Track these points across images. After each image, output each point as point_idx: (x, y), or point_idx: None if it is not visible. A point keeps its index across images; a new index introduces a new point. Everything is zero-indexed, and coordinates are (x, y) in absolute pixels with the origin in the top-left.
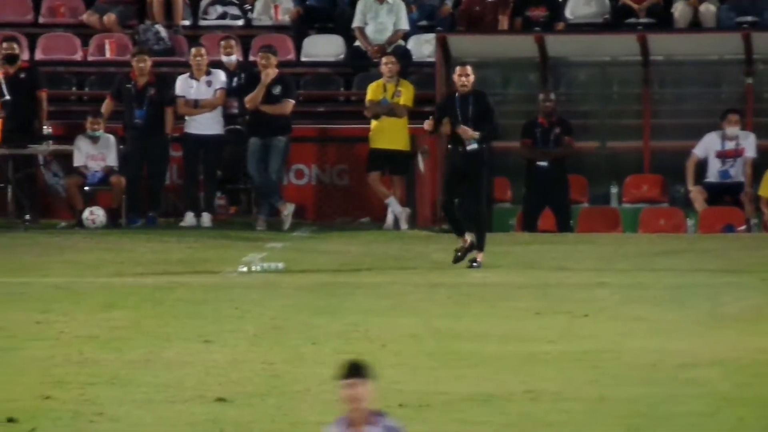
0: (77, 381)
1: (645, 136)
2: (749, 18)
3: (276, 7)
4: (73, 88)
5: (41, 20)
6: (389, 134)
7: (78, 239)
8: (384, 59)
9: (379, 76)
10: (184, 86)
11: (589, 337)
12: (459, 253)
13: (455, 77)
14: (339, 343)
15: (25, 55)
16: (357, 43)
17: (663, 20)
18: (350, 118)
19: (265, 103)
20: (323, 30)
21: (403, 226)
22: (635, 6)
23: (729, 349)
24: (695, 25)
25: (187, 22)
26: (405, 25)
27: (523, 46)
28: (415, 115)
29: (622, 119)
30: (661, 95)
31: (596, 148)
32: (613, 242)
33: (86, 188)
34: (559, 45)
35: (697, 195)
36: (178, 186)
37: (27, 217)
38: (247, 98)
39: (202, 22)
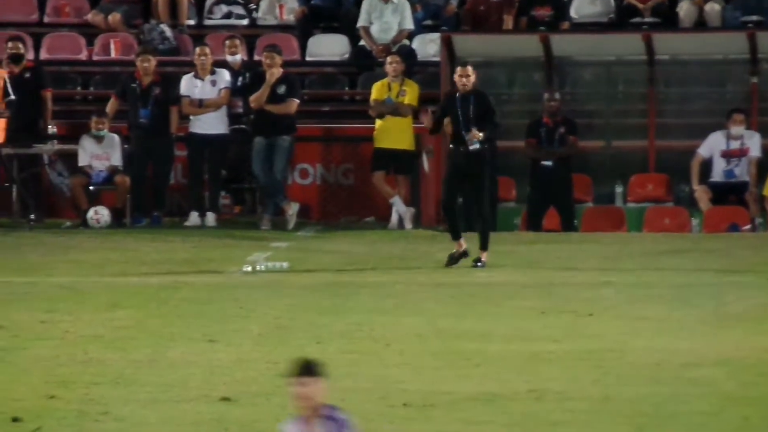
0: (82, 380)
1: (650, 135)
2: (754, 17)
3: (281, 6)
4: (78, 88)
5: (46, 20)
6: (394, 134)
7: (83, 239)
8: (389, 59)
9: (384, 75)
10: (188, 86)
11: (594, 337)
12: (452, 258)
13: (456, 77)
14: (343, 343)
15: (30, 55)
16: (362, 42)
17: (668, 20)
18: (355, 118)
19: (270, 102)
20: (328, 29)
21: (408, 225)
22: (640, 5)
23: (734, 349)
24: (700, 24)
25: (191, 22)
26: (410, 25)
27: (528, 45)
28: (419, 114)
29: (627, 119)
30: (666, 95)
31: (601, 147)
32: (618, 241)
33: (91, 188)
34: (564, 44)
35: (701, 194)
36: (182, 185)
37: (32, 216)
38: (251, 98)
39: (207, 22)
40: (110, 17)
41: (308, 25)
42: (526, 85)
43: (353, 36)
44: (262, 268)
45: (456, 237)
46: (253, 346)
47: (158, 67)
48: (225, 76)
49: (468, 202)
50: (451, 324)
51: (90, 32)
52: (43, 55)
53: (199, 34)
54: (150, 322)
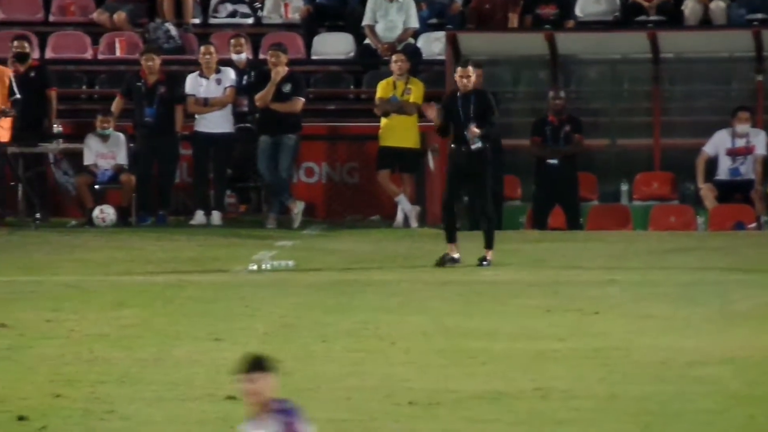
0: (87, 379)
1: (655, 133)
2: (759, 15)
3: (286, 5)
4: (83, 87)
5: (51, 19)
6: (399, 132)
7: (88, 238)
8: (394, 57)
9: (389, 74)
10: (193, 84)
11: (600, 335)
12: (443, 260)
13: (456, 77)
14: (349, 341)
15: (35, 54)
16: (367, 41)
17: (673, 17)
18: (360, 116)
19: (275, 101)
20: (333, 28)
21: (413, 224)
22: (645, 3)
23: (739, 347)
24: (705, 22)
25: (197, 21)
26: (415, 23)
27: (533, 43)
28: (423, 110)
29: (632, 117)
30: (671, 93)
31: (606, 145)
32: (624, 240)
33: (96, 187)
34: (569, 43)
35: (707, 192)
36: (188, 184)
37: (37, 215)
38: (257, 96)
39: (212, 20)
40: (115, 16)
41: (313, 23)
42: (531, 83)
43: (358, 34)
44: (268, 266)
45: (450, 240)
46: (258, 345)
47: (163, 66)
48: (230, 74)
49: (473, 201)
50: (457, 322)
51: (95, 31)
52: (49, 54)
53: (204, 33)
54: (155, 321)
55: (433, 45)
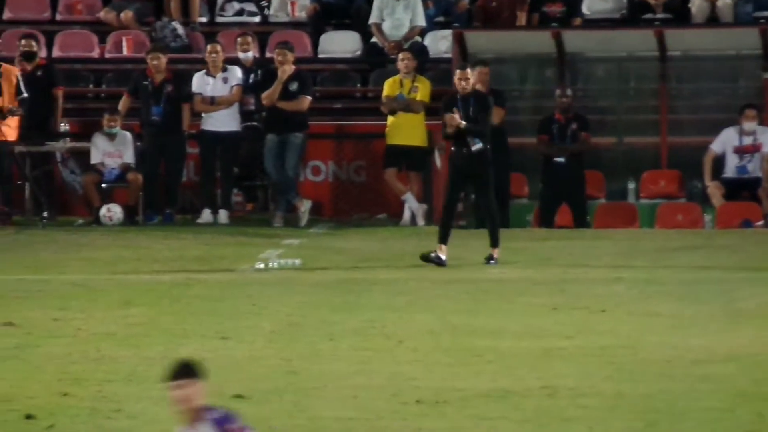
0: (95, 378)
1: (662, 131)
2: (767, 13)
3: (293, 3)
4: (90, 86)
5: (58, 17)
6: (406, 130)
7: (95, 236)
8: (400, 55)
9: (396, 72)
10: (200, 83)
11: (606, 333)
12: (428, 257)
13: (455, 80)
14: (356, 340)
15: (42, 53)
16: (374, 39)
17: (680, 15)
18: (367, 115)
19: (282, 99)
20: (340, 26)
21: (420, 222)
22: (652, 1)
23: (746, 345)
24: (712, 20)
25: (203, 19)
26: (422, 21)
27: (540, 41)
28: (431, 111)
29: (639, 115)
30: (678, 90)
31: (613, 143)
32: (630, 238)
33: (103, 185)
34: (576, 40)
35: (714, 190)
36: (195, 183)
37: (44, 214)
38: (263, 95)
39: (219, 19)
40: (122, 15)
41: (320, 22)
42: (538, 81)
43: (365, 33)
44: (275, 265)
45: (442, 241)
46: (265, 343)
47: (170, 65)
48: (237, 73)
49: (478, 200)
50: (464, 321)
51: (102, 30)
52: (56, 52)
53: (211, 32)
54: (162, 320)
55: (439, 43)
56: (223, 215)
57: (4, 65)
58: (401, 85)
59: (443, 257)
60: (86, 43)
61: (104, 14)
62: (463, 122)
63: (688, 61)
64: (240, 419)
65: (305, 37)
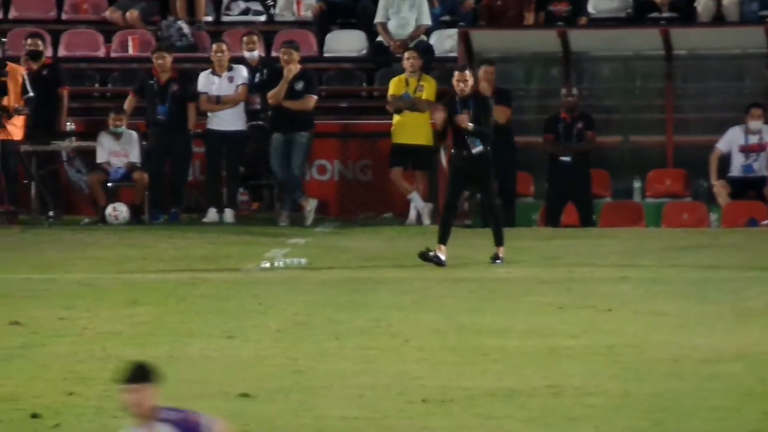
0: (101, 377)
1: (668, 130)
2: None
3: (298, 2)
4: (96, 85)
5: (64, 17)
6: (411, 129)
7: (101, 235)
8: (406, 54)
9: (401, 71)
10: (206, 82)
11: (612, 332)
12: (426, 255)
13: (454, 82)
14: (362, 339)
15: (48, 52)
16: (379, 38)
17: (686, 14)
18: (373, 114)
19: (288, 98)
20: (346, 25)
21: (426, 221)
22: (658, 0)
23: (753, 344)
24: (718, 19)
25: (209, 18)
26: (427, 20)
27: (545, 40)
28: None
29: (644, 114)
30: (684, 89)
31: (619, 142)
32: (636, 237)
33: (109, 184)
34: (581, 40)
35: (720, 189)
36: (200, 182)
37: (50, 213)
38: (269, 94)
39: (225, 18)
40: (128, 14)
41: (326, 21)
42: (543, 80)
43: (371, 32)
44: (281, 264)
45: (442, 241)
46: (271, 342)
47: (176, 64)
48: (242, 72)
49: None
50: (470, 320)
51: (108, 29)
52: (61, 52)
53: (216, 31)
54: (168, 319)
55: (445, 42)
56: (228, 214)
57: (10, 64)
58: (407, 84)
59: (442, 257)
60: (92, 42)
61: (110, 13)
62: (471, 124)
63: (694, 60)
64: (202, 416)
65: (311, 36)
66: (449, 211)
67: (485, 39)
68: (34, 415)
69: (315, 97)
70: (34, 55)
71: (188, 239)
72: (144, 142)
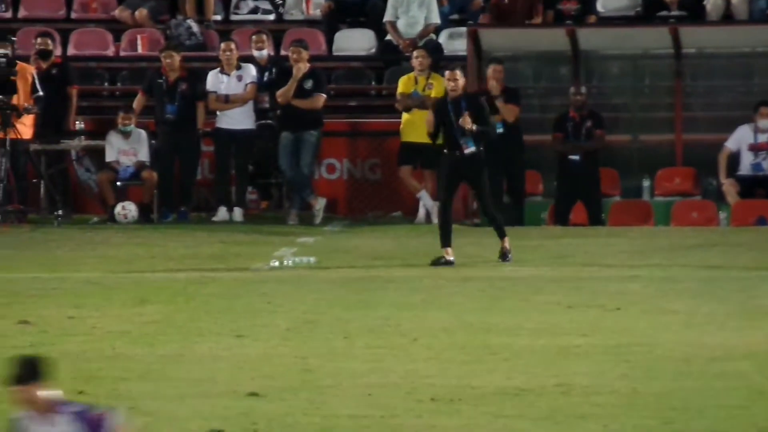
0: (110, 376)
1: (677, 129)
2: None
3: (307, 1)
4: (105, 84)
5: (73, 16)
6: (420, 128)
7: (110, 234)
8: (415, 53)
9: (410, 70)
10: (214, 81)
11: (622, 331)
12: (437, 262)
13: (444, 81)
14: (371, 338)
15: (58, 51)
16: (388, 37)
17: (695, 13)
18: (382, 113)
19: (297, 97)
20: (354, 24)
21: (435, 219)
22: None
23: (762, 342)
24: (727, 17)
25: (218, 17)
26: (436, 19)
27: (554, 39)
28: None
29: (653, 112)
30: (693, 88)
31: (628, 141)
32: (645, 236)
33: (118, 183)
34: (590, 38)
35: (729, 188)
36: (209, 181)
37: (59, 212)
38: (278, 93)
39: (234, 17)
40: (137, 13)
41: (335, 19)
42: (552, 79)
43: (380, 31)
44: (290, 263)
45: (445, 244)
46: (280, 341)
47: (185, 63)
48: (251, 71)
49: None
50: (479, 318)
51: (117, 28)
52: (71, 51)
53: (225, 30)
54: (177, 318)
55: (454, 41)
56: (237, 213)
57: (20, 63)
58: (416, 82)
59: (451, 258)
60: (101, 41)
61: (119, 12)
62: (474, 126)
63: (703, 59)
64: (105, 411)
65: (320, 35)
66: (445, 213)
67: (494, 37)
68: None
69: (324, 95)
70: (44, 54)
71: (197, 238)
72: (153, 141)
